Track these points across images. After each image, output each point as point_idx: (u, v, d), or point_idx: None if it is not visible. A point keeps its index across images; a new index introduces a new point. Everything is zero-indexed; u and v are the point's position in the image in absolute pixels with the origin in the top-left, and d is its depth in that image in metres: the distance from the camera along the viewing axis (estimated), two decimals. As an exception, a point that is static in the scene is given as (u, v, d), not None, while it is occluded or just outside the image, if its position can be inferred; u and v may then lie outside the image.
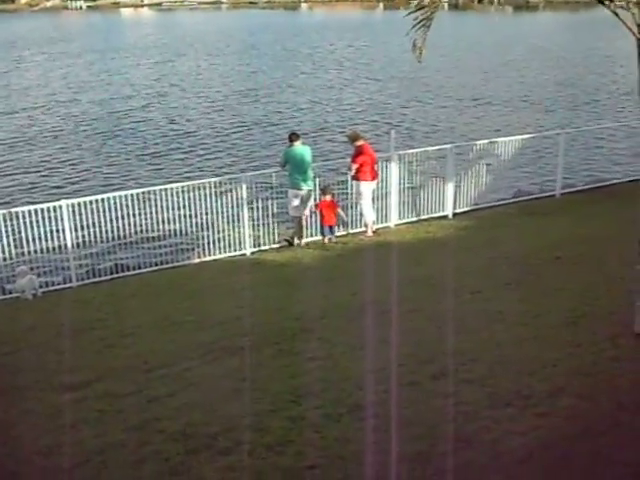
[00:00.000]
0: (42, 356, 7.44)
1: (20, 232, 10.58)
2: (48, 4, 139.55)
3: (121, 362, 6.88)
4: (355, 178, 12.25)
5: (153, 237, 11.88)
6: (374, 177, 12.32)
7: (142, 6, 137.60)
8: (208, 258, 11.91)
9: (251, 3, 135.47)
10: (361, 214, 12.57)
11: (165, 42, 64.47)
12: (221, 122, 27.47)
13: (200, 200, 11.71)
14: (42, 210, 10.65)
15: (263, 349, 6.61)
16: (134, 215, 11.32)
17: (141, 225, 11.52)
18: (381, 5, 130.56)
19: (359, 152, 12.11)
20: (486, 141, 14.53)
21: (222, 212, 12.02)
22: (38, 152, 23.16)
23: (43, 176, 20.21)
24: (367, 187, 12.26)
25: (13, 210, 10.65)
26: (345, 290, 8.76)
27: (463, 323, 6.79)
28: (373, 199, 12.56)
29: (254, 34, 69.30)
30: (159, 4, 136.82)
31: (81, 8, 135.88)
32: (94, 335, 7.97)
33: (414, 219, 13.41)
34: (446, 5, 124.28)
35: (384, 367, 5.77)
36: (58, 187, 18.73)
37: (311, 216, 12.42)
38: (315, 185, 12.28)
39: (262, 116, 28.36)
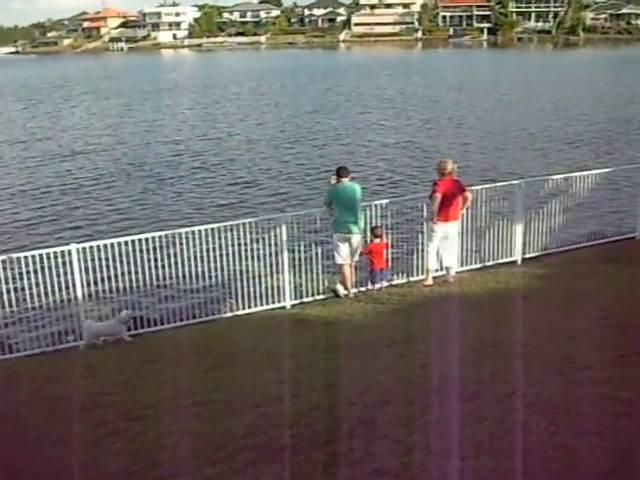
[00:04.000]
0: (24, 447, 5.79)
1: (23, 281, 9.03)
2: (90, 46, 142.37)
3: (121, 463, 5.17)
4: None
5: (178, 287, 10.23)
6: (447, 218, 10.58)
7: (182, 47, 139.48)
8: (242, 312, 10.23)
9: (290, 43, 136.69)
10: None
11: (207, 83, 64.38)
12: (266, 164, 26.50)
13: (234, 244, 10.08)
14: (48, 255, 9.08)
15: (311, 452, 4.82)
16: (156, 261, 9.71)
17: (164, 273, 9.90)
18: (419, 44, 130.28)
19: (432, 188, 10.50)
20: (560, 176, 12.71)
21: (259, 257, 10.41)
22: (86, 195, 22.33)
23: (85, 220, 19.23)
24: (437, 228, 10.57)
25: (14, 256, 9.08)
26: (412, 360, 6.94)
27: (585, 419, 4.93)
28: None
29: (295, 75, 69.03)
30: (199, 45, 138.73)
31: (122, 49, 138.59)
32: (95, 417, 6.30)
33: (478, 266, 11.67)
34: (485, 43, 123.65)
35: (487, 493, 3.96)
36: (102, 230, 17.70)
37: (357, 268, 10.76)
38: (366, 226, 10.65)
39: (309, 158, 27.37)
